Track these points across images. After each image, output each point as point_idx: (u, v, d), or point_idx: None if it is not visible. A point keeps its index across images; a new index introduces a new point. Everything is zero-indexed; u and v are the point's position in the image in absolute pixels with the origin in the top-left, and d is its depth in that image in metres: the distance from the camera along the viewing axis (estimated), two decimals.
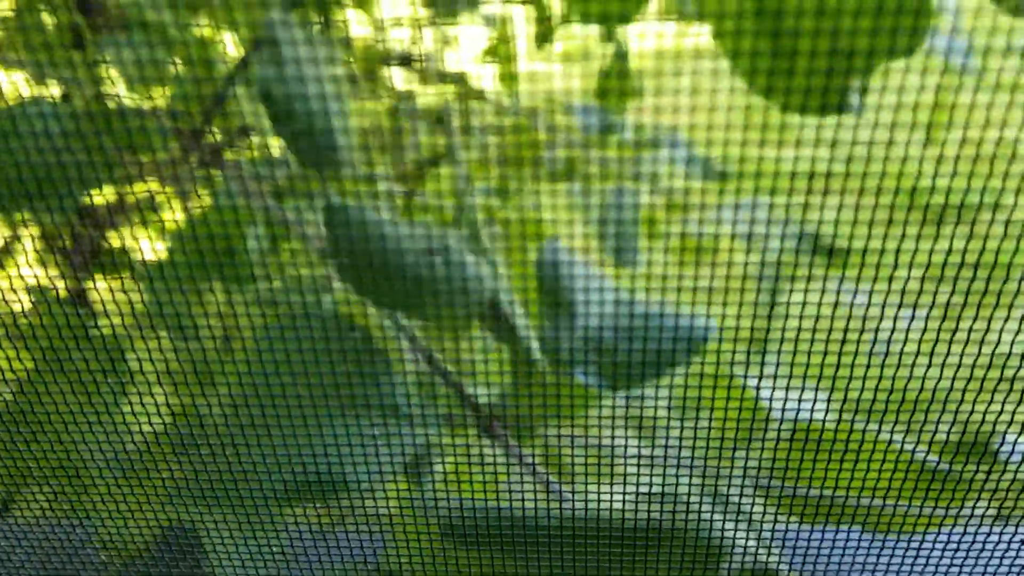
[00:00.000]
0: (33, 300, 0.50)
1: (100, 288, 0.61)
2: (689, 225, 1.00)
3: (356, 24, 0.85)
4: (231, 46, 0.89)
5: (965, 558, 0.46)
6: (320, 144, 0.38)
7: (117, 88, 0.51)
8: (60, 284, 0.55)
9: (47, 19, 0.71)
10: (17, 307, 0.53)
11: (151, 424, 0.42)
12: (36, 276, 0.86)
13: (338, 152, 0.39)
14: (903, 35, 0.28)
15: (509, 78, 0.49)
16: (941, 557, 0.46)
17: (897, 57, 0.28)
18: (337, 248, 0.37)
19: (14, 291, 0.67)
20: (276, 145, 0.56)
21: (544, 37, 0.87)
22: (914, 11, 0.27)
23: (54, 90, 0.73)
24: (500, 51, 0.48)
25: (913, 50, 0.28)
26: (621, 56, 0.98)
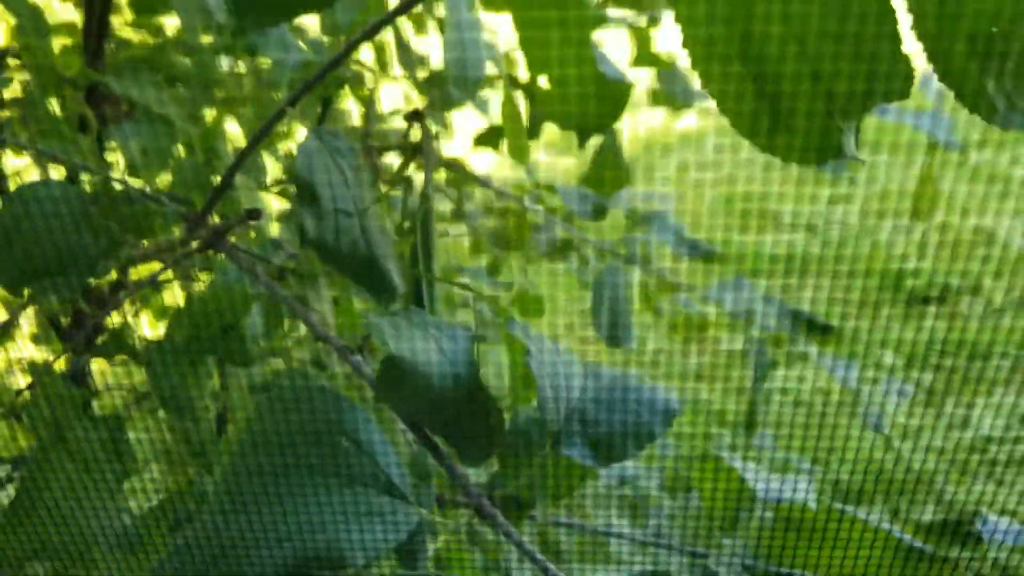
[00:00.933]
0: (33, 378, 0.50)
1: (100, 367, 0.62)
2: (680, 304, 1.02)
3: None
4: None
5: None
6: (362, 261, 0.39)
7: (123, 172, 0.52)
8: (60, 362, 0.56)
9: (55, 104, 0.74)
10: (18, 385, 0.53)
11: (148, 501, 0.43)
12: (33, 354, 0.86)
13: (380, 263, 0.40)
14: (890, 79, 0.29)
15: (519, 151, 0.51)
16: None
17: (888, 100, 0.30)
18: (388, 392, 0.38)
19: (14, 370, 0.68)
20: (280, 228, 0.57)
21: (537, 124, 0.90)
22: (890, 58, 0.29)
23: (61, 173, 0.75)
24: (507, 125, 0.50)
25: (903, 94, 0.30)
26: (611, 146, 1.01)
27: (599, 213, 0.84)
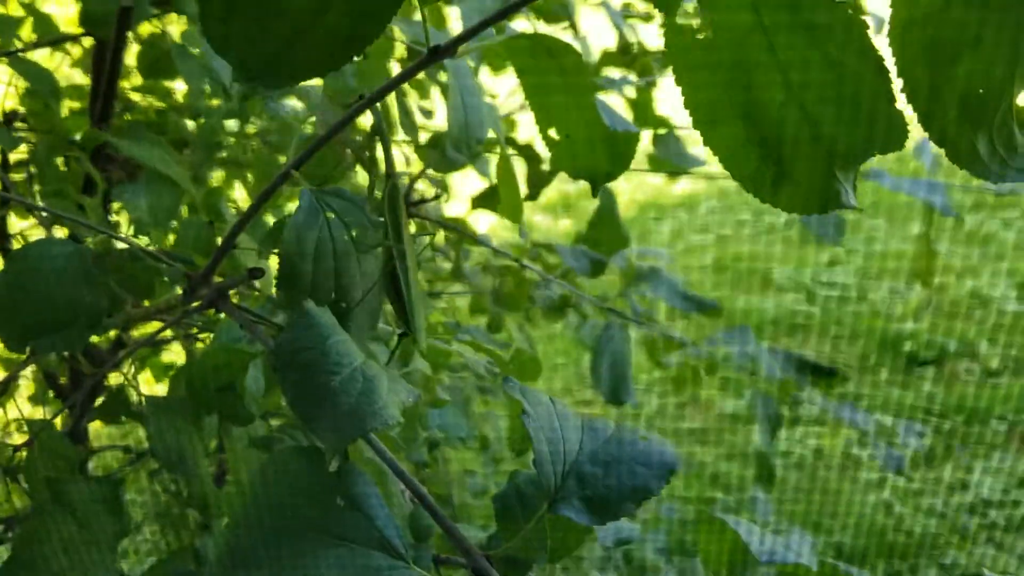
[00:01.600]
0: (31, 436, 0.50)
1: (96, 426, 0.62)
2: (682, 356, 1.02)
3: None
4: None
5: None
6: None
7: (128, 232, 0.53)
8: (57, 421, 0.56)
9: (61, 165, 0.75)
10: (14, 443, 0.53)
11: (143, 562, 0.42)
12: (30, 412, 0.86)
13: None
14: (885, 133, 0.30)
15: (513, 209, 0.52)
16: None
17: (884, 152, 0.31)
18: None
19: (11, 429, 0.67)
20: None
21: (536, 185, 0.91)
22: (885, 115, 0.29)
23: (65, 232, 0.76)
24: (502, 184, 0.51)
25: (898, 146, 0.31)
26: (608, 208, 1.02)
27: (597, 269, 0.84)
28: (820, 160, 0.31)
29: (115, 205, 0.73)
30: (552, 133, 0.48)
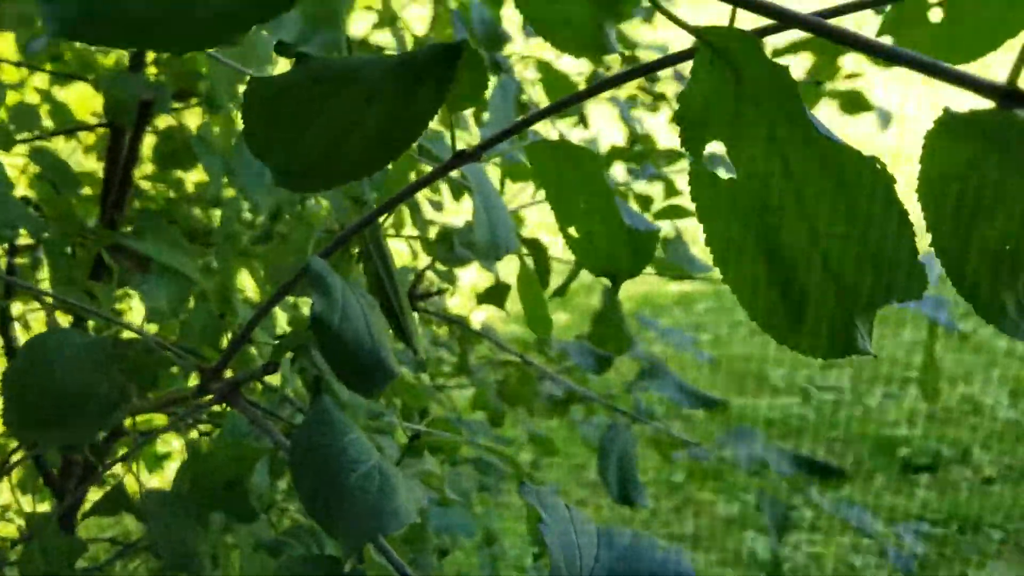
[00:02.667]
0: (30, 531, 0.49)
1: (93, 518, 0.60)
2: (688, 457, 1.01)
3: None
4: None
5: None
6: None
7: (142, 323, 0.53)
8: (52, 513, 0.55)
9: (68, 252, 0.75)
10: (7, 534, 0.52)
11: None
12: (12, 501, 0.84)
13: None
14: (905, 282, 0.30)
15: (541, 322, 0.52)
16: None
17: (901, 300, 0.31)
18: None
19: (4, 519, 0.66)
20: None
21: (544, 274, 0.92)
22: (907, 265, 0.30)
23: (68, 319, 0.75)
24: (525, 297, 0.51)
25: (916, 296, 0.31)
26: (611, 309, 1.03)
27: (603, 366, 0.84)
28: (839, 305, 0.32)
29: (117, 292, 0.73)
30: (572, 232, 0.49)
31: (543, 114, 0.43)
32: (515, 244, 0.47)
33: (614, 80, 0.43)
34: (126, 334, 0.50)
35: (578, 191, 0.47)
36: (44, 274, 0.94)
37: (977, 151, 0.28)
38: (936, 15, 0.42)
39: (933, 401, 1.01)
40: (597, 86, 0.41)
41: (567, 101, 0.41)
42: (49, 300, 0.63)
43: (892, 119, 1.14)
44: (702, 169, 0.32)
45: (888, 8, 0.41)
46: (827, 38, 0.29)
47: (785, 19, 0.28)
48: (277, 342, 0.46)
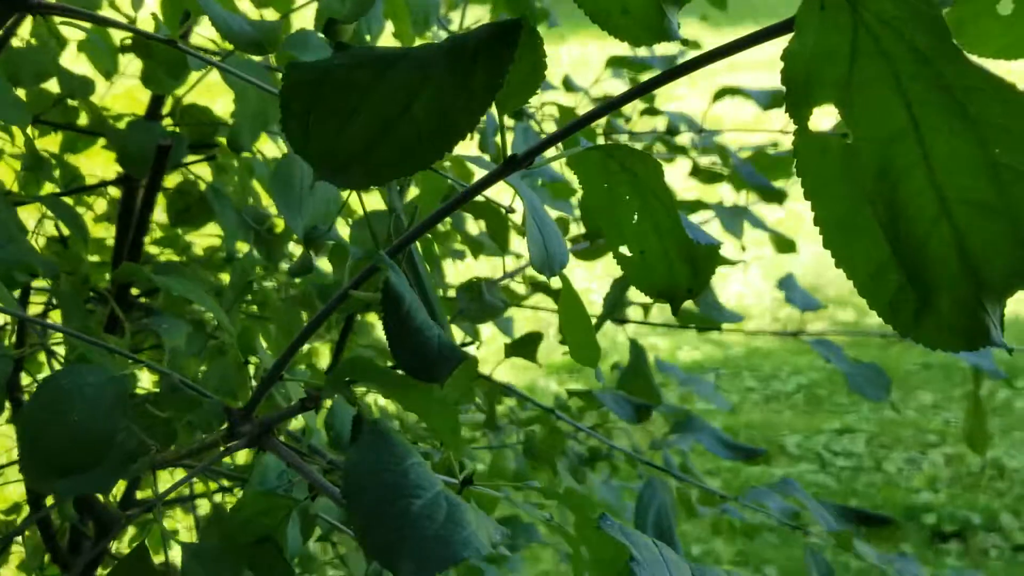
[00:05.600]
0: None
1: None
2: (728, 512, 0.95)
3: None
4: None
5: None
6: None
7: (165, 363, 0.49)
8: None
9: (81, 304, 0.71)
10: None
11: None
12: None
13: None
14: None
15: (587, 350, 0.47)
16: None
17: None
18: None
19: None
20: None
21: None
22: None
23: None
24: (571, 324, 0.46)
25: None
26: (639, 360, 0.99)
27: (642, 416, 0.80)
28: (967, 288, 0.28)
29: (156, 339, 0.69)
30: (624, 250, 0.45)
31: (591, 118, 0.39)
32: (568, 258, 0.44)
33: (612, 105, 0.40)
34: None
35: (630, 204, 0.44)
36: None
37: None
38: (1006, 7, 0.39)
39: (982, 452, 0.96)
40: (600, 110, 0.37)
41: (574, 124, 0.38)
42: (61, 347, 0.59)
43: None
44: (810, 135, 0.28)
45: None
46: None
47: None
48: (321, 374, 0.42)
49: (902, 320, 0.29)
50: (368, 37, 0.66)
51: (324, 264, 0.90)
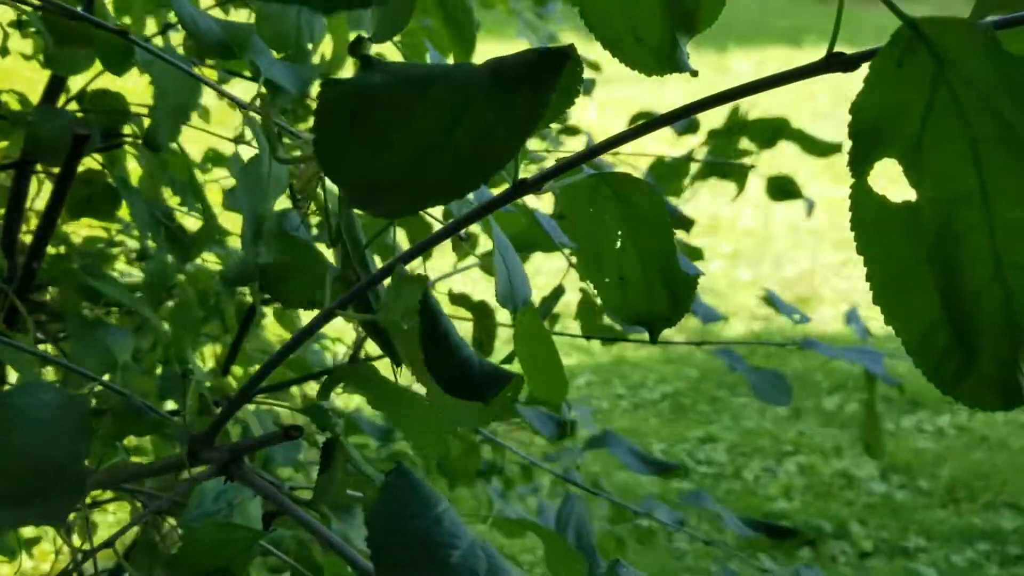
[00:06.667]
0: None
1: None
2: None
3: None
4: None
5: None
6: None
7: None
8: None
9: None
10: None
11: None
12: None
13: None
14: None
15: (556, 387, 0.46)
16: None
17: None
18: None
19: None
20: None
21: (487, 341, 0.87)
22: None
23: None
24: (536, 360, 0.45)
25: None
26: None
27: (564, 432, 0.79)
28: (1008, 348, 0.28)
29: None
30: (603, 278, 0.44)
31: (607, 146, 0.38)
32: (530, 294, 0.43)
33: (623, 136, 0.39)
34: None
35: (614, 230, 0.43)
36: None
37: None
38: None
39: (879, 457, 1.00)
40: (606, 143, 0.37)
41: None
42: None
43: None
44: (870, 191, 0.28)
45: None
46: None
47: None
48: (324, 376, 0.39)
49: (945, 379, 0.29)
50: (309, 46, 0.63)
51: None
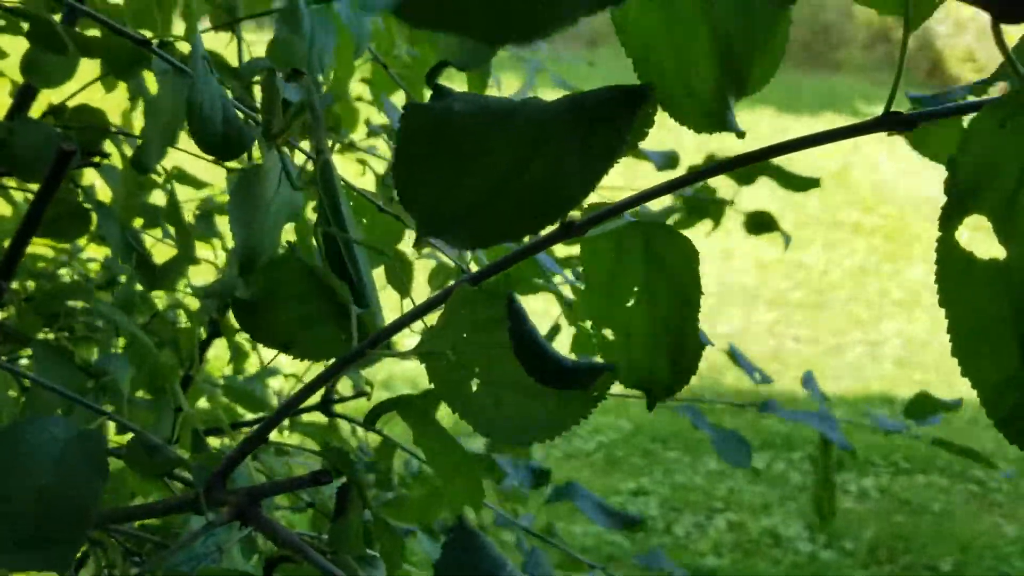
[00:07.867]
0: None
1: None
2: None
3: None
4: None
5: None
6: None
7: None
8: None
9: None
10: None
11: None
12: None
13: None
14: None
15: (473, 495, 0.44)
16: None
17: None
18: None
19: None
20: None
21: None
22: None
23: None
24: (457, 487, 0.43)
25: None
26: None
27: (541, 481, 0.77)
28: None
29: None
30: (608, 333, 0.42)
31: (658, 192, 0.37)
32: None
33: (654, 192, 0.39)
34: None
35: (630, 285, 0.42)
36: None
37: None
38: None
39: (829, 519, 1.01)
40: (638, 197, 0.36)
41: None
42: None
43: None
44: (957, 245, 0.28)
45: None
46: None
47: None
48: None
49: (1014, 432, 0.29)
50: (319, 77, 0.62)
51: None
